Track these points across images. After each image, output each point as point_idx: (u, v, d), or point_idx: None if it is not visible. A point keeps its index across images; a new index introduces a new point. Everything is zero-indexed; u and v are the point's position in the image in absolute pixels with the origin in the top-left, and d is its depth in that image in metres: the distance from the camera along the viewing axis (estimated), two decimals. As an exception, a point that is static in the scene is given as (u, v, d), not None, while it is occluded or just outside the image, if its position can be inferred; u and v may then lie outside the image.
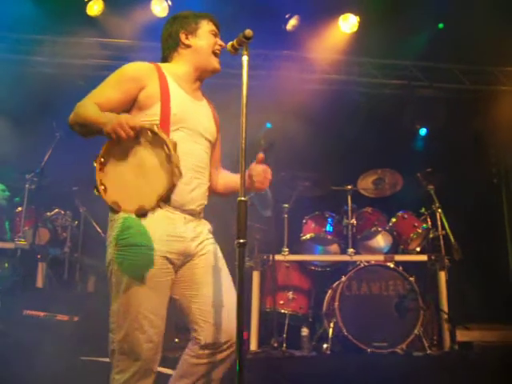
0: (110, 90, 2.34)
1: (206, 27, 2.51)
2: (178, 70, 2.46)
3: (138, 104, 2.33)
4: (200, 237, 2.36)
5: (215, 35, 2.52)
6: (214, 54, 2.50)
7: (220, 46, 2.49)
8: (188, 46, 2.49)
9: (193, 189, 2.34)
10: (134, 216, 2.21)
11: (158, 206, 2.23)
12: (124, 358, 2.19)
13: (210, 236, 2.44)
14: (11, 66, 6.25)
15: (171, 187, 2.21)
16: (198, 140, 2.40)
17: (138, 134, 2.20)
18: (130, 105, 2.34)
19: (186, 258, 2.32)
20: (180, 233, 2.29)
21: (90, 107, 2.26)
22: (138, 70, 2.36)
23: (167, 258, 2.23)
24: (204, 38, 2.50)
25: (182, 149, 2.26)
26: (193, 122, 2.39)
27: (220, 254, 2.43)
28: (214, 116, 2.54)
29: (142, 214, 2.21)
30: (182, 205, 2.30)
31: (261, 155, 2.34)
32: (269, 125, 6.09)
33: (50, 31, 6.22)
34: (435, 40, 6.27)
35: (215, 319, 2.30)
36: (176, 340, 4.53)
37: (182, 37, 2.49)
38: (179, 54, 2.50)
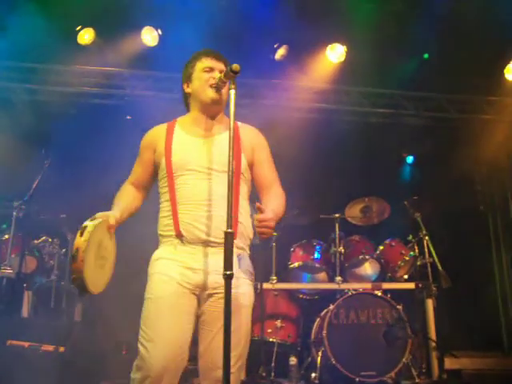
0: (136, 165, 2.69)
1: (199, 67, 2.62)
2: (188, 117, 2.67)
3: (156, 165, 2.59)
4: (220, 270, 2.25)
5: (209, 70, 2.59)
6: (211, 86, 2.56)
7: (214, 78, 2.55)
8: (190, 94, 2.67)
9: (197, 223, 2.43)
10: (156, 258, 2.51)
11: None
12: (136, 376, 2.36)
13: (238, 275, 2.37)
14: (1, 93, 6.28)
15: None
16: (208, 175, 2.48)
17: None
18: (155, 169, 2.61)
19: (203, 290, 2.41)
20: (194, 265, 2.41)
21: (117, 195, 2.65)
22: (148, 137, 2.67)
23: (181, 285, 2.38)
24: (197, 79, 2.61)
25: (188, 189, 2.46)
26: (198, 161, 2.50)
27: (241, 299, 2.41)
28: (235, 145, 2.42)
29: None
30: (193, 239, 2.42)
31: (257, 204, 2.36)
32: None
33: (41, 59, 6.27)
34: (422, 69, 6.39)
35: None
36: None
37: (185, 87, 2.69)
38: (190, 102, 2.69)
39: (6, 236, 5.31)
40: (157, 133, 2.63)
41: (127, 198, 2.63)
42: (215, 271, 2.39)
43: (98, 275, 2.33)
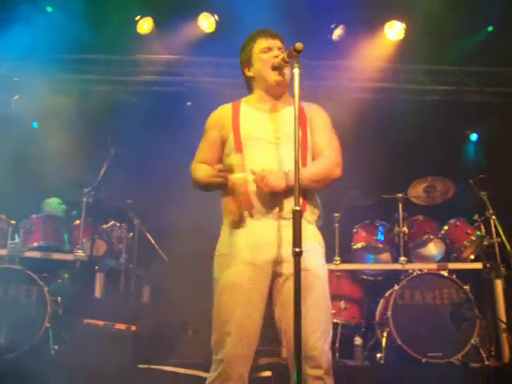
0: (202, 145, 2.69)
1: (257, 49, 2.62)
2: (253, 97, 2.68)
3: (223, 141, 2.60)
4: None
5: (267, 50, 2.59)
6: (273, 68, 2.55)
7: (275, 57, 2.54)
8: (252, 78, 2.68)
9: (268, 194, 2.39)
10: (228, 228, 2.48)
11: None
12: (214, 359, 2.36)
13: (311, 248, 2.37)
14: (68, 85, 6.53)
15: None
16: (276, 146, 2.49)
17: None
18: (222, 146, 2.62)
19: (276, 265, 2.38)
20: (265, 239, 2.39)
21: (199, 171, 2.61)
22: (214, 115, 2.68)
23: (253, 265, 2.36)
24: (258, 61, 2.62)
25: (257, 159, 2.46)
26: (266, 131, 2.52)
27: (317, 270, 2.37)
28: (300, 116, 2.40)
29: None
30: (264, 212, 2.41)
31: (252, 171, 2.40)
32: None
33: (103, 50, 6.47)
34: (484, 44, 6.17)
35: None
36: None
37: (245, 72, 2.71)
38: (252, 85, 2.70)
39: (77, 221, 5.54)
40: (223, 111, 2.66)
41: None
42: (288, 244, 2.27)
43: None
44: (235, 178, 2.38)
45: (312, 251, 2.40)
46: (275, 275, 2.40)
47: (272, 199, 2.40)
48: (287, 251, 2.27)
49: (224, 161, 2.57)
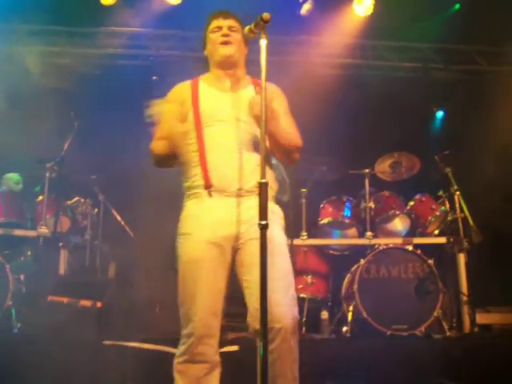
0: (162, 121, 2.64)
1: (210, 29, 2.67)
2: (210, 75, 2.71)
3: (183, 118, 2.58)
4: (252, 220, 2.34)
5: (217, 30, 2.63)
6: (221, 44, 2.61)
7: (222, 35, 2.60)
8: (207, 56, 2.73)
9: (229, 171, 2.44)
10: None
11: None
12: (182, 334, 2.41)
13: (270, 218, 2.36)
14: (28, 57, 6.30)
15: None
16: (236, 126, 2.50)
17: None
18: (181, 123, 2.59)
19: (236, 241, 2.42)
20: (225, 217, 2.42)
21: (158, 146, 2.58)
22: (174, 91, 2.68)
23: (213, 243, 2.39)
24: (209, 41, 2.68)
25: (217, 138, 2.49)
26: (226, 111, 2.54)
27: (276, 238, 2.41)
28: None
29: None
30: (224, 189, 2.43)
31: None
32: None
33: (65, 22, 6.27)
34: (451, 21, 6.20)
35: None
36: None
37: (205, 52, 2.75)
38: (209, 64, 2.74)
39: (40, 197, 5.41)
40: (182, 88, 2.67)
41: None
42: (247, 220, 2.40)
43: None
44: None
45: (275, 222, 2.44)
46: (235, 249, 2.45)
47: (230, 177, 2.44)
48: (245, 227, 2.41)
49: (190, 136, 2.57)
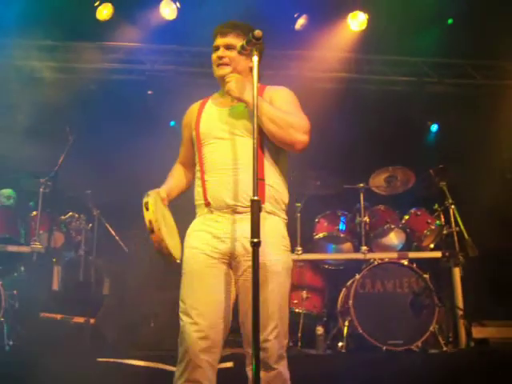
0: (181, 145, 2.80)
1: (212, 46, 2.65)
2: (219, 92, 2.71)
3: (192, 140, 2.66)
4: (243, 238, 2.36)
5: (215, 50, 2.62)
6: (217, 66, 2.61)
7: (217, 57, 2.59)
8: None
9: (222, 189, 2.45)
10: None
11: None
12: (180, 350, 2.39)
13: (270, 241, 2.38)
14: (23, 72, 6.32)
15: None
16: (232, 142, 2.50)
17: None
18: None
19: (233, 258, 2.42)
20: (220, 233, 2.44)
21: (169, 174, 2.76)
22: (185, 115, 2.76)
23: (210, 256, 2.42)
24: (212, 60, 2.67)
25: (214, 157, 2.52)
26: (221, 128, 2.54)
27: (268, 263, 2.36)
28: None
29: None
30: (219, 206, 2.45)
31: None
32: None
33: (61, 37, 6.29)
34: (445, 36, 6.24)
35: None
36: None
37: None
38: None
39: (34, 213, 5.39)
40: (192, 110, 2.73)
41: (177, 176, 2.74)
42: (243, 238, 2.37)
43: (172, 242, 2.41)
44: (146, 216, 2.32)
45: (270, 244, 2.40)
46: (234, 268, 2.44)
47: (224, 195, 2.44)
48: (241, 245, 2.39)
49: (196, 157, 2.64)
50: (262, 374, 2.26)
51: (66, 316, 4.28)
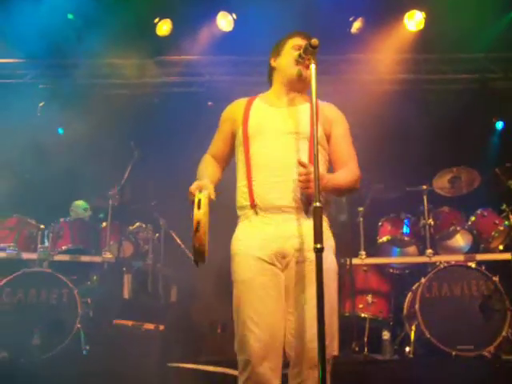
0: (215, 138, 2.74)
1: (290, 44, 2.65)
2: (270, 92, 2.72)
3: (234, 134, 2.65)
4: (300, 238, 2.39)
5: (298, 48, 2.56)
6: (297, 62, 2.56)
7: (300, 56, 2.54)
8: (275, 68, 2.72)
9: (271, 188, 2.44)
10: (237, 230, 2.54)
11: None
12: (240, 359, 2.37)
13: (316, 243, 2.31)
14: (89, 89, 6.62)
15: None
16: (283, 141, 2.50)
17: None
18: (233, 140, 2.66)
19: (284, 258, 2.41)
20: (270, 234, 2.42)
21: (200, 166, 2.67)
22: (228, 109, 2.72)
23: (262, 260, 2.40)
24: (285, 54, 2.66)
25: (261, 155, 2.50)
26: (273, 127, 2.54)
27: (325, 265, 2.23)
28: (319, 115, 2.43)
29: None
30: (266, 207, 2.45)
31: (299, 160, 2.38)
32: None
33: (123, 54, 6.53)
34: (508, 29, 6.04)
35: (300, 337, 2.34)
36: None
37: (272, 61, 2.74)
38: (273, 77, 2.74)
39: (104, 224, 5.63)
40: (237, 105, 2.69)
41: (212, 168, 2.66)
42: (292, 236, 2.39)
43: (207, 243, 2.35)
44: (197, 215, 2.23)
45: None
46: (285, 266, 2.42)
47: (272, 195, 2.44)
48: (290, 245, 2.40)
49: (236, 153, 2.63)
50: (304, 376, 2.30)
51: (137, 323, 4.44)
